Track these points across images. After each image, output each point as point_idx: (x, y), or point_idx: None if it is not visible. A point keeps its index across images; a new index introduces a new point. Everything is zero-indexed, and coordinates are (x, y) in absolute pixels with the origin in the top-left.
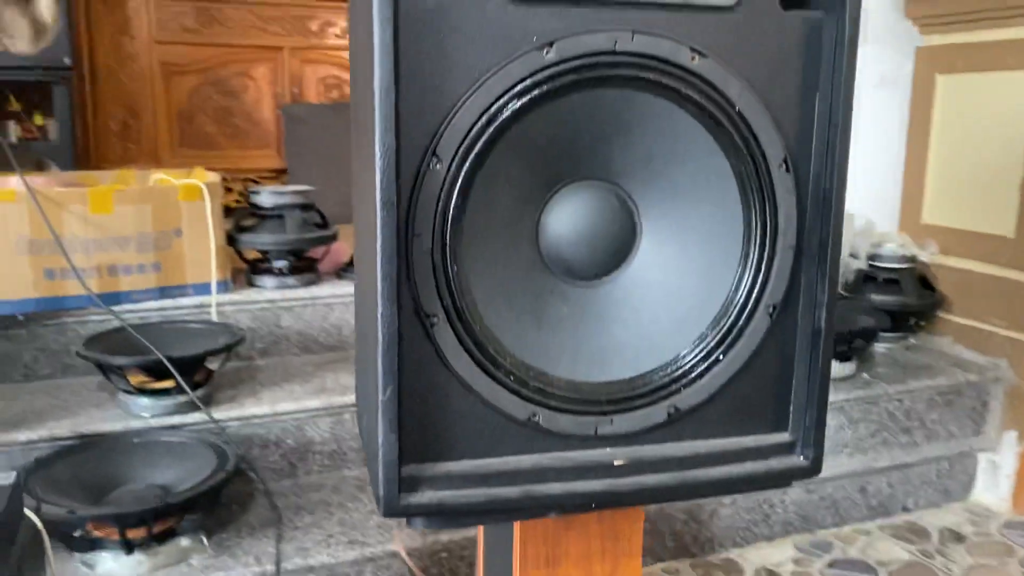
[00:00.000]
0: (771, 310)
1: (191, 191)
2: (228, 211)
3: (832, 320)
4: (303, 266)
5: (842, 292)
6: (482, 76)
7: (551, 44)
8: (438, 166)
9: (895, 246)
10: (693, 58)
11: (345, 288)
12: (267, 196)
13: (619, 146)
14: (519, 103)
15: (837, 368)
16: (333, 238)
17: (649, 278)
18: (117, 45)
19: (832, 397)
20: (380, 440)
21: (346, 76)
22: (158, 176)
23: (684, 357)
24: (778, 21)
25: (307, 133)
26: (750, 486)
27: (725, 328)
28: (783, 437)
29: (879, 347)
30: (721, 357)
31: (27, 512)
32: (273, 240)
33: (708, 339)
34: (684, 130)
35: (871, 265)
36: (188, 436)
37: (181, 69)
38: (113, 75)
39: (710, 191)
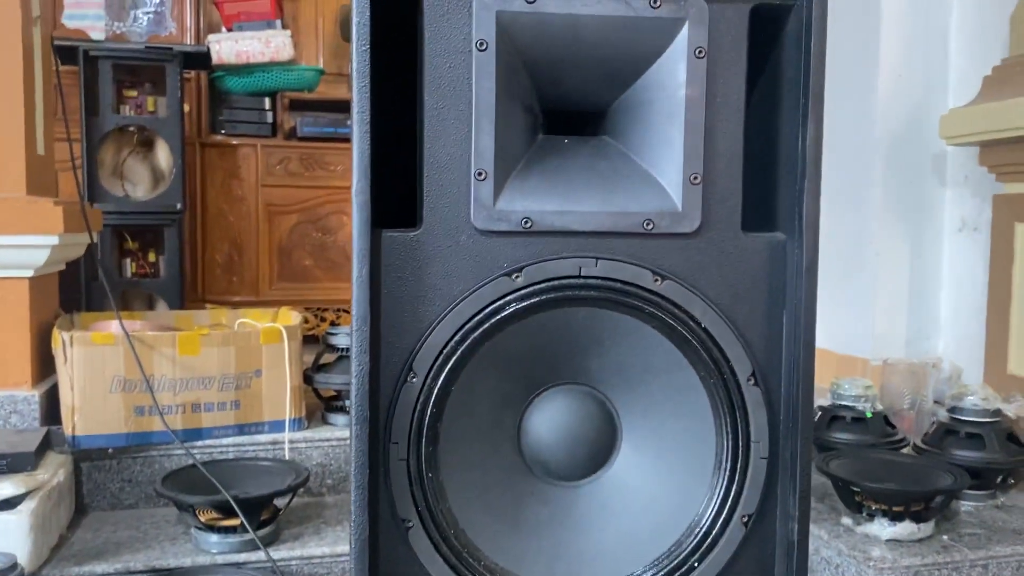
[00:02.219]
0: (745, 519)
1: (271, 334)
2: (317, 339)
3: (806, 533)
4: None
5: (922, 445)
6: (456, 299)
7: (520, 270)
8: (414, 380)
9: (977, 398)
10: (656, 280)
11: None
12: (342, 337)
13: (594, 356)
14: (490, 322)
15: (912, 529)
16: None
17: (629, 483)
18: (227, 188)
19: (906, 562)
20: None
21: None
22: (241, 320)
23: (660, 564)
24: (740, 243)
25: None
26: None
27: (700, 536)
28: None
29: (964, 506)
30: (696, 565)
31: None
32: (346, 380)
33: (684, 546)
34: (653, 345)
35: (952, 418)
36: (249, 575)
37: (283, 209)
38: (222, 215)
39: (683, 402)
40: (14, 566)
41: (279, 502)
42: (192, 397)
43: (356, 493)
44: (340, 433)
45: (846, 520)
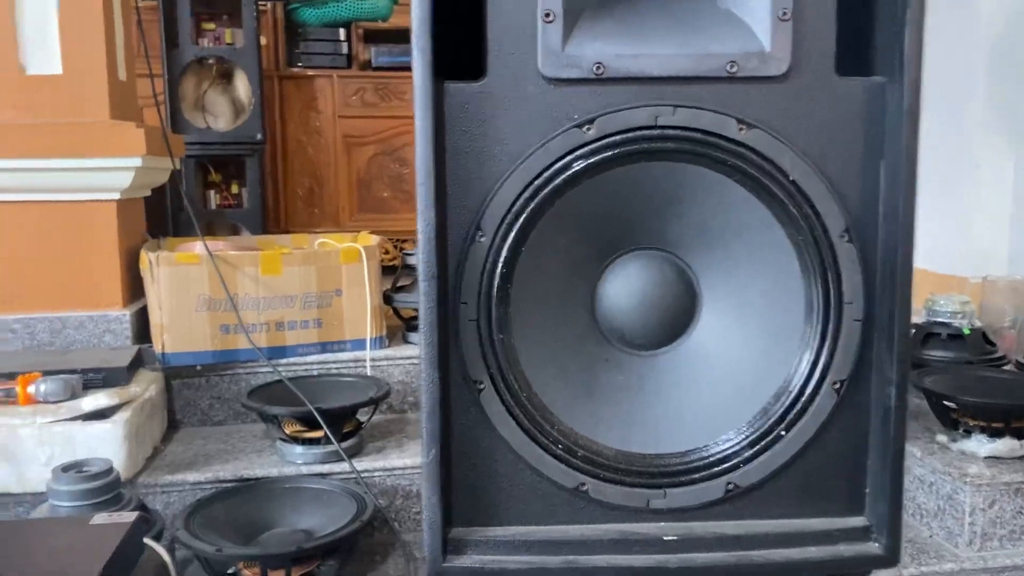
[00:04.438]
0: (837, 386)
1: (351, 254)
2: (395, 270)
3: (904, 398)
4: None
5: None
6: (523, 153)
7: (591, 121)
8: (482, 239)
9: None
10: (741, 129)
11: None
12: None
13: (671, 217)
14: (560, 179)
15: (1012, 446)
16: None
17: (709, 350)
18: (305, 120)
19: (1006, 478)
20: (425, 502)
21: None
22: (321, 240)
23: (744, 432)
24: (834, 88)
25: None
26: (815, 572)
27: (787, 403)
28: (857, 521)
29: None
30: (783, 433)
31: (154, 546)
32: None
33: (769, 414)
34: (737, 201)
35: None
36: (333, 484)
37: (360, 140)
38: (301, 147)
39: (769, 263)
40: (110, 470)
41: (362, 416)
42: (275, 316)
43: (427, 351)
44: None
45: (941, 438)
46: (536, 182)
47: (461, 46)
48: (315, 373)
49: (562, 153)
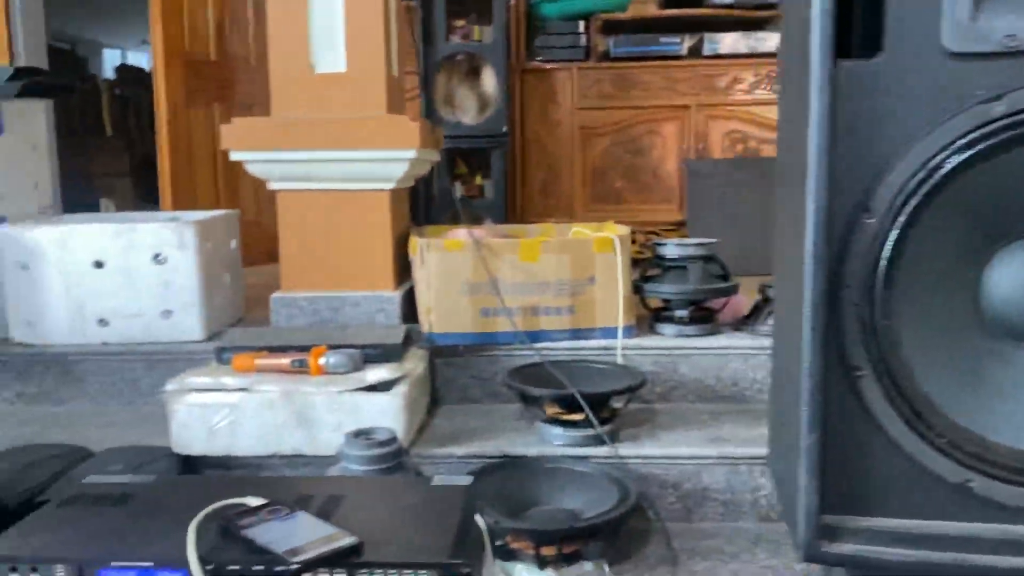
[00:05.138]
0: None
1: (604, 243)
2: (632, 262)
3: None
4: (703, 316)
5: None
6: (920, 132)
7: (1000, 97)
8: (870, 221)
9: None
10: None
11: (743, 340)
12: (672, 247)
13: None
14: (960, 158)
15: None
16: (734, 290)
17: None
18: (544, 112)
19: None
20: (801, 486)
21: (751, 131)
22: (575, 229)
23: None
24: None
25: (708, 187)
26: None
27: None
28: None
29: None
30: None
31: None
32: (676, 290)
33: None
34: None
35: None
36: (593, 468)
37: (596, 131)
38: (539, 139)
39: None
40: (394, 439)
41: (616, 403)
42: (531, 301)
43: (811, 335)
44: (668, 343)
45: None
46: (933, 161)
47: (842, 23)
48: (565, 359)
49: (965, 131)
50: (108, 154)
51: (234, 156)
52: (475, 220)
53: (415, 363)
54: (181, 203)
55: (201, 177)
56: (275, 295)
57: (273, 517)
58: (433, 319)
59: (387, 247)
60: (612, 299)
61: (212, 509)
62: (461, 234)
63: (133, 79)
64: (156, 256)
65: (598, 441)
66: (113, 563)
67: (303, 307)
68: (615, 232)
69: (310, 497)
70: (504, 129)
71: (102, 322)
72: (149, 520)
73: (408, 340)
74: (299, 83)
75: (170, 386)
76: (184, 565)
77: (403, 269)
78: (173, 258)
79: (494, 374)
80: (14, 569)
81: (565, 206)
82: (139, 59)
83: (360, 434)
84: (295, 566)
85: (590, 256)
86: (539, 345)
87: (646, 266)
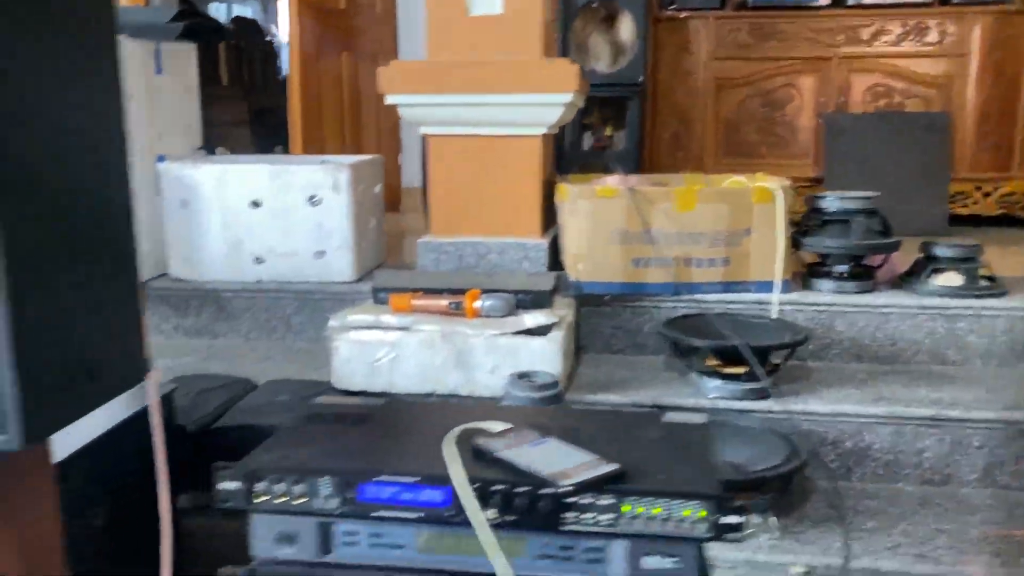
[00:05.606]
0: None
1: (763, 194)
2: None
3: None
4: (861, 273)
5: None
6: None
7: None
8: None
9: None
10: None
11: (903, 299)
12: (832, 200)
13: None
14: None
15: None
16: (896, 246)
17: None
18: (677, 63)
19: None
20: None
21: (896, 84)
22: (732, 179)
23: None
24: None
25: (848, 142)
26: None
27: None
28: None
29: None
30: None
31: None
32: (835, 244)
33: None
34: None
35: None
36: (756, 422)
37: (731, 83)
38: (670, 90)
39: None
40: (556, 382)
41: (776, 359)
42: (683, 252)
43: None
44: (825, 298)
45: None
46: None
47: None
48: (718, 312)
49: None
50: (225, 103)
51: (389, 100)
52: (605, 171)
53: (567, 310)
54: (310, 152)
55: (328, 126)
56: (422, 240)
57: (523, 442)
58: (581, 267)
59: (536, 194)
60: (768, 252)
61: (461, 430)
62: (614, 182)
63: (247, 29)
64: (311, 198)
65: (756, 395)
66: (379, 477)
67: (449, 252)
68: (772, 183)
69: (547, 426)
70: (640, 79)
71: (258, 260)
72: (399, 439)
73: (556, 288)
74: (454, 26)
75: (333, 323)
76: (447, 482)
77: (548, 217)
78: (327, 200)
79: (640, 325)
80: (279, 480)
81: (695, 159)
82: (244, 11)
83: (523, 376)
84: (566, 488)
85: (748, 207)
86: (688, 297)
87: (804, 219)
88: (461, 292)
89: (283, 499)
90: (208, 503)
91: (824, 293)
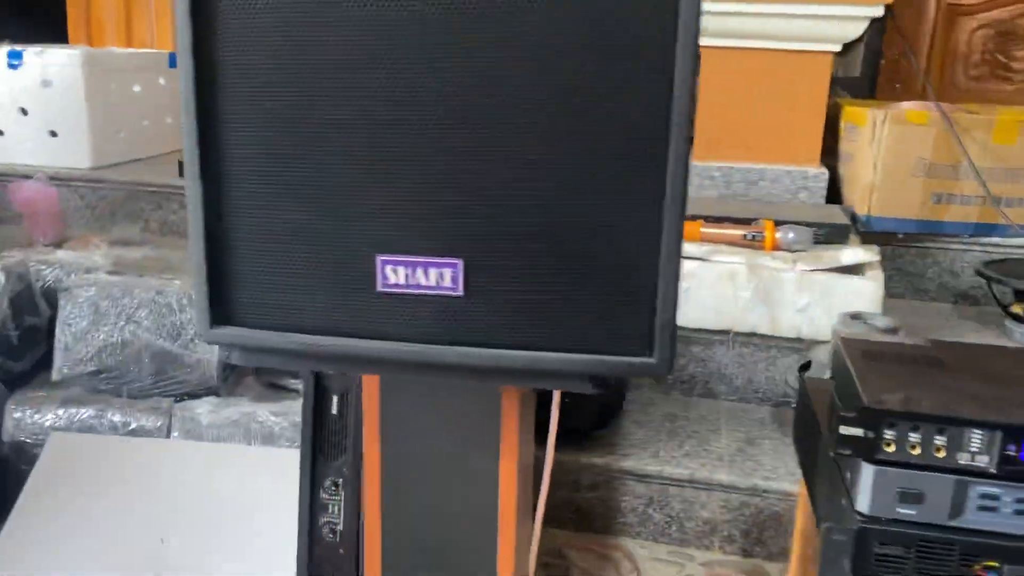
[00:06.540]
0: None
1: None
2: None
3: None
4: None
5: None
6: None
7: None
8: None
9: None
10: None
11: None
12: None
13: None
14: None
15: None
16: None
17: None
18: None
19: None
20: None
21: None
22: None
23: None
24: None
25: None
26: None
27: None
28: None
29: None
30: None
31: None
32: None
33: None
34: None
35: None
36: None
37: (966, 11)
38: (896, 16)
39: None
40: (896, 329)
41: None
42: (995, 189)
43: None
44: None
45: None
46: None
47: None
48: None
49: None
50: None
51: None
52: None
53: (873, 248)
54: None
55: None
56: None
57: None
58: (874, 201)
59: (819, 118)
60: None
61: None
62: (922, 106)
63: None
64: None
65: None
66: None
67: (715, 178)
68: None
69: None
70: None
71: None
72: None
73: (851, 223)
74: None
75: None
76: None
77: (827, 144)
78: None
79: (921, 268)
80: (914, 429)
81: (915, 92)
82: None
83: (856, 317)
84: None
85: None
86: (986, 240)
87: None
88: (745, 222)
89: (915, 451)
90: None
91: None
